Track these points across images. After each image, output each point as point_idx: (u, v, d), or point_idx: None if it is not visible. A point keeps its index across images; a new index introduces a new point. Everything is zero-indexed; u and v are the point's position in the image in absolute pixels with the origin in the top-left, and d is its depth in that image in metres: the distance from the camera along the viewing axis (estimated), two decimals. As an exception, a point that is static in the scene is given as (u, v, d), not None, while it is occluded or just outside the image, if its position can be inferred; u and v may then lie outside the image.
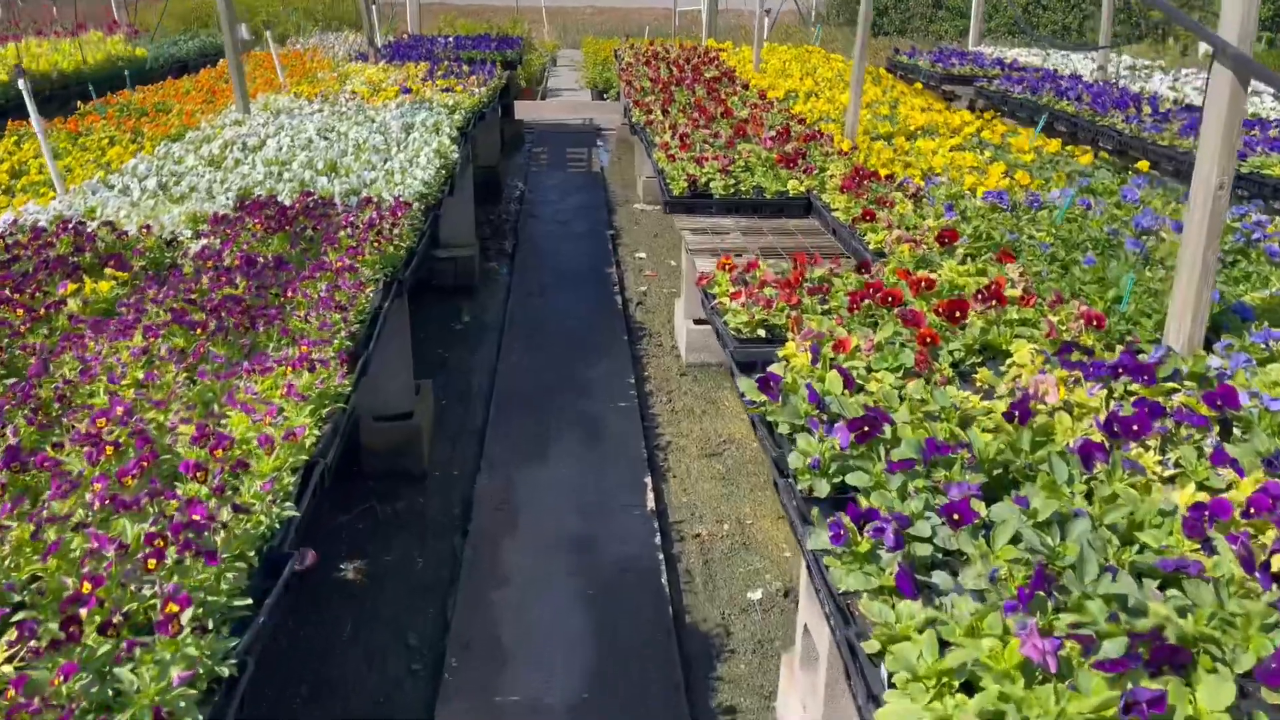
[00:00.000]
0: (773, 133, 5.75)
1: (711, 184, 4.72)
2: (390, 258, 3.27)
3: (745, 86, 7.58)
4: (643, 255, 7.09)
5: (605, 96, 14.32)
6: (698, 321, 5.06)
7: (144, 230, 3.12)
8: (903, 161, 4.98)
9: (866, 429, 2.02)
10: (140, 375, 2.28)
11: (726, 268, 3.14)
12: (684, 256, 4.90)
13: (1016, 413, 2.08)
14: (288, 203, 3.79)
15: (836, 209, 4.29)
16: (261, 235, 3.29)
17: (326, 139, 5.10)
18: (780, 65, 9.30)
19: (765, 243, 4.26)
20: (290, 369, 2.17)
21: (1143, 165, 4.91)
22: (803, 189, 4.66)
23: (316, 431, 2.05)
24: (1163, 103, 7.42)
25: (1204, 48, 11.82)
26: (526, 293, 6.11)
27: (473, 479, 3.93)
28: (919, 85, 8.48)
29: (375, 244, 3.22)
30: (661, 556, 3.42)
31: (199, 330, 2.41)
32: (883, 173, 4.66)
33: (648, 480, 3.92)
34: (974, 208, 4.05)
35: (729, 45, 11.38)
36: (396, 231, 3.42)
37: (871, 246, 3.71)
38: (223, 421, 2.02)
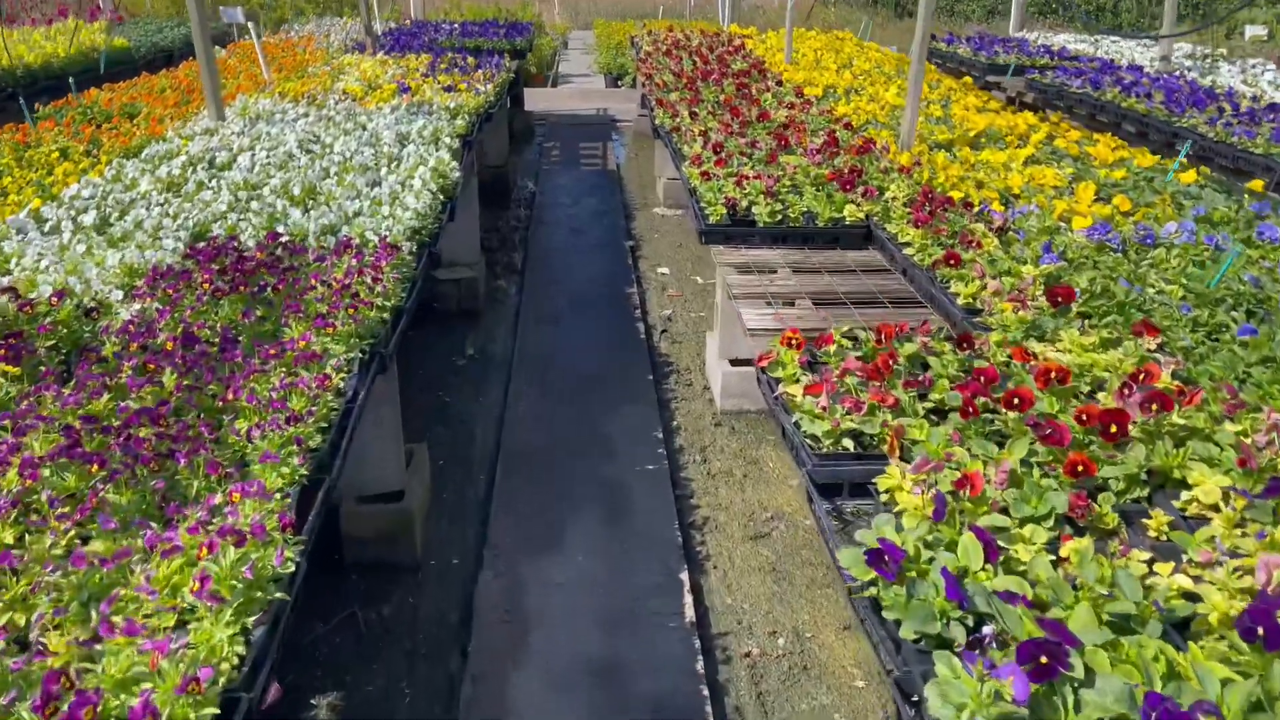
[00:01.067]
0: (817, 141, 5.05)
1: (754, 208, 4.04)
2: (370, 325, 2.62)
3: (779, 83, 6.87)
4: (665, 271, 6.42)
5: (620, 83, 13.59)
6: (734, 362, 4.41)
7: (53, 301, 2.47)
8: (973, 179, 4.29)
9: (1044, 660, 1.37)
10: (9, 540, 1.65)
11: (793, 344, 2.48)
12: (719, 290, 4.24)
13: (1260, 630, 1.42)
14: (252, 244, 3.13)
15: (907, 245, 3.61)
16: (211, 296, 2.64)
17: (310, 152, 4.43)
18: (813, 56, 8.57)
19: (823, 285, 3.59)
20: (205, 549, 1.52)
21: (1256, 185, 4.22)
22: (861, 215, 3.98)
23: (237, 655, 1.41)
24: (1240, 99, 6.68)
25: (1250, 31, 10.98)
26: (538, 319, 5.45)
27: (474, 573, 3.28)
28: (969, 80, 7.73)
29: (351, 309, 2.57)
30: (705, 690, 2.77)
31: (95, 466, 1.76)
32: (955, 195, 3.97)
33: (684, 576, 3.27)
34: (1075, 246, 3.37)
35: (753, 32, 10.63)
36: (380, 289, 2.76)
37: (960, 300, 3.04)
38: (97, 647, 1.37)
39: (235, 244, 3.03)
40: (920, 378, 2.36)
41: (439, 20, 10.67)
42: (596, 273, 6.27)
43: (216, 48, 8.02)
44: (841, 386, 2.31)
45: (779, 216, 3.97)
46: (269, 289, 2.67)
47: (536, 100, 11.96)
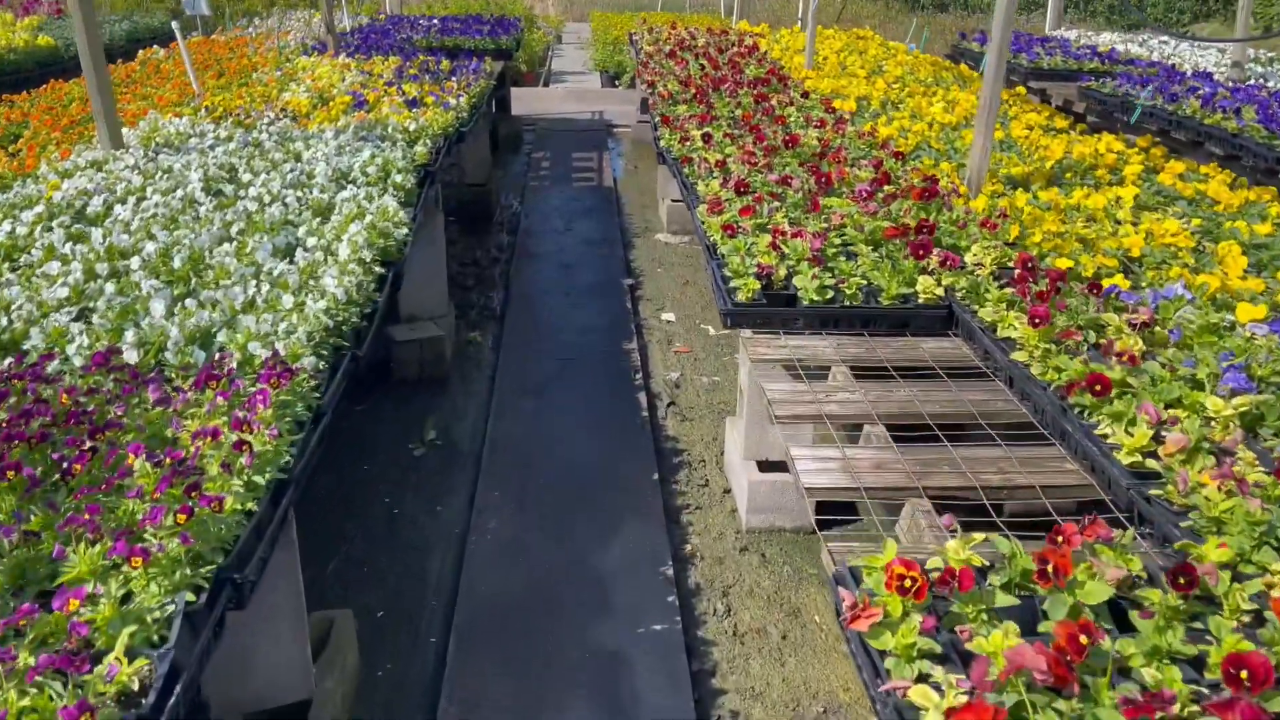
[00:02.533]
0: (863, 175, 4.06)
1: (796, 278, 3.05)
2: (222, 532, 1.63)
3: (805, 94, 5.86)
4: (671, 318, 5.43)
5: (617, 83, 12.55)
6: (763, 466, 3.42)
7: None
8: (1074, 235, 3.31)
9: None
10: None
11: (908, 586, 1.49)
12: (742, 370, 3.25)
13: None
14: (78, 363, 2.14)
15: (1010, 341, 2.62)
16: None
17: (219, 195, 3.44)
18: (835, 59, 7.56)
19: (899, 401, 2.60)
20: None
21: None
22: (939, 291, 2.99)
23: None
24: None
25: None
26: (517, 388, 4.45)
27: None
28: (1022, 89, 6.72)
29: (185, 512, 1.58)
30: None
31: None
32: (1060, 264, 2.99)
33: (709, 833, 2.30)
34: (1259, 354, 2.38)
35: (765, 30, 9.61)
36: (243, 463, 1.77)
37: (1124, 459, 2.05)
38: None
39: (42, 371, 2.03)
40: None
41: (418, 16, 9.64)
42: (589, 320, 5.28)
43: (155, 47, 7.00)
44: (1009, 690, 1.32)
45: (831, 294, 2.97)
46: (60, 476, 1.68)
47: (526, 102, 10.95)
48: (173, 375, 2.15)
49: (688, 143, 4.72)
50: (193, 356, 2.19)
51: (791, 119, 5.28)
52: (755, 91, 5.96)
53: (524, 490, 3.64)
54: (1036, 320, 2.47)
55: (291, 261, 2.77)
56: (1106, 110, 6.88)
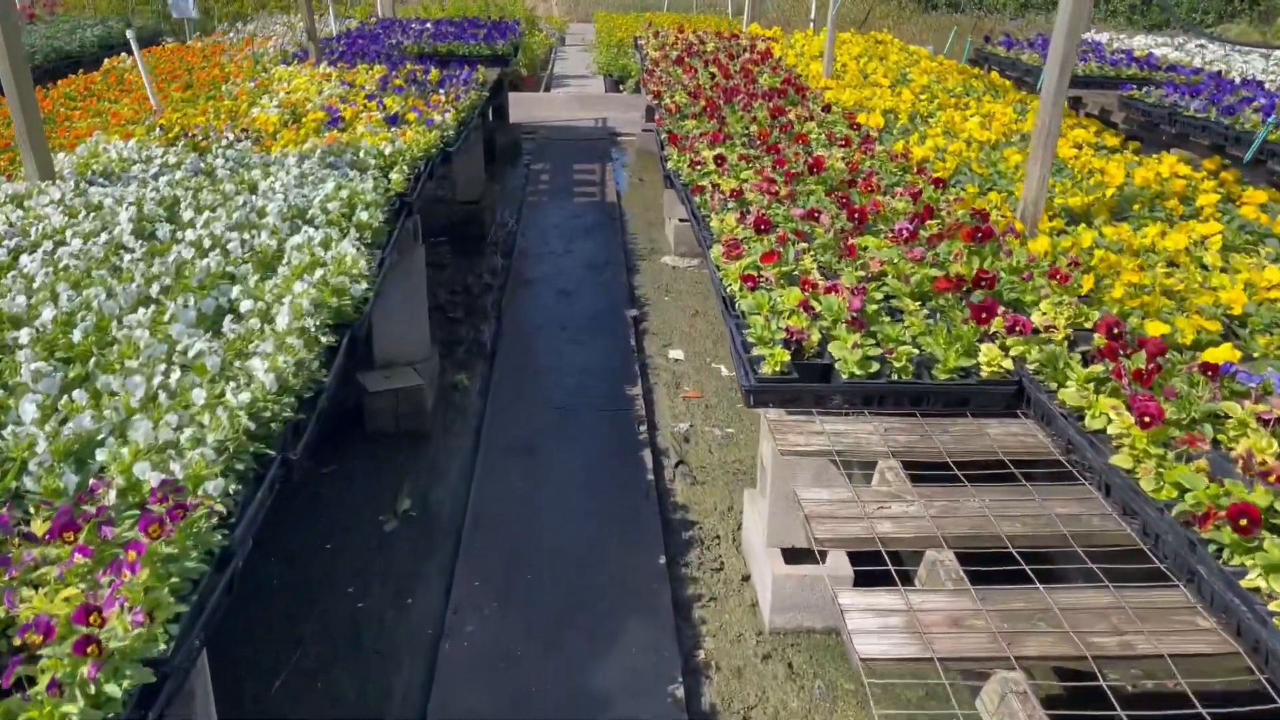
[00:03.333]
0: (899, 207, 3.55)
1: (833, 344, 2.53)
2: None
3: (826, 108, 5.33)
4: (679, 356, 4.92)
5: (621, 87, 12.04)
6: (789, 556, 2.91)
7: None
8: (1159, 286, 2.78)
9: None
10: None
11: None
12: (763, 444, 2.73)
13: None
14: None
15: (1114, 449, 2.10)
16: None
17: (152, 240, 2.93)
18: (855, 66, 7.03)
19: (971, 515, 2.08)
20: None
21: None
22: (1008, 364, 2.47)
23: None
24: None
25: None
26: (506, 446, 3.94)
27: None
28: (1071, 110, 6.16)
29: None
30: None
31: None
32: (1152, 329, 2.47)
33: None
34: None
35: (777, 33, 9.08)
36: (86, 674, 1.27)
37: (1276, 618, 1.53)
38: None
39: None
40: None
41: (410, 19, 9.12)
42: (589, 359, 4.76)
43: (122, 55, 6.51)
44: None
45: (875, 365, 2.45)
46: None
47: (525, 108, 10.43)
48: (34, 508, 1.64)
49: (699, 167, 4.20)
50: (63, 480, 1.69)
51: (813, 137, 4.76)
52: (771, 104, 5.44)
53: (509, 580, 3.12)
54: (1147, 419, 1.95)
55: (218, 334, 2.26)
56: (1150, 122, 6.34)
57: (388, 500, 3.59)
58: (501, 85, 8.40)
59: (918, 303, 2.79)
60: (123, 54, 6.51)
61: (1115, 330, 2.41)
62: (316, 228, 3.01)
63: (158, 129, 4.27)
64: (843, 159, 4.30)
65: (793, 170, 3.99)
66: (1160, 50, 8.29)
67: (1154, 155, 5.07)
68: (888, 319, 2.66)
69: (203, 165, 3.68)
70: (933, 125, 5.13)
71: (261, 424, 1.97)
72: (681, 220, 6.25)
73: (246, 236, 2.90)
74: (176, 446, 1.79)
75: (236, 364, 2.12)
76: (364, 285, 2.64)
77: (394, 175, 3.71)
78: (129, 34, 4.50)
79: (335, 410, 2.46)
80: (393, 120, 4.57)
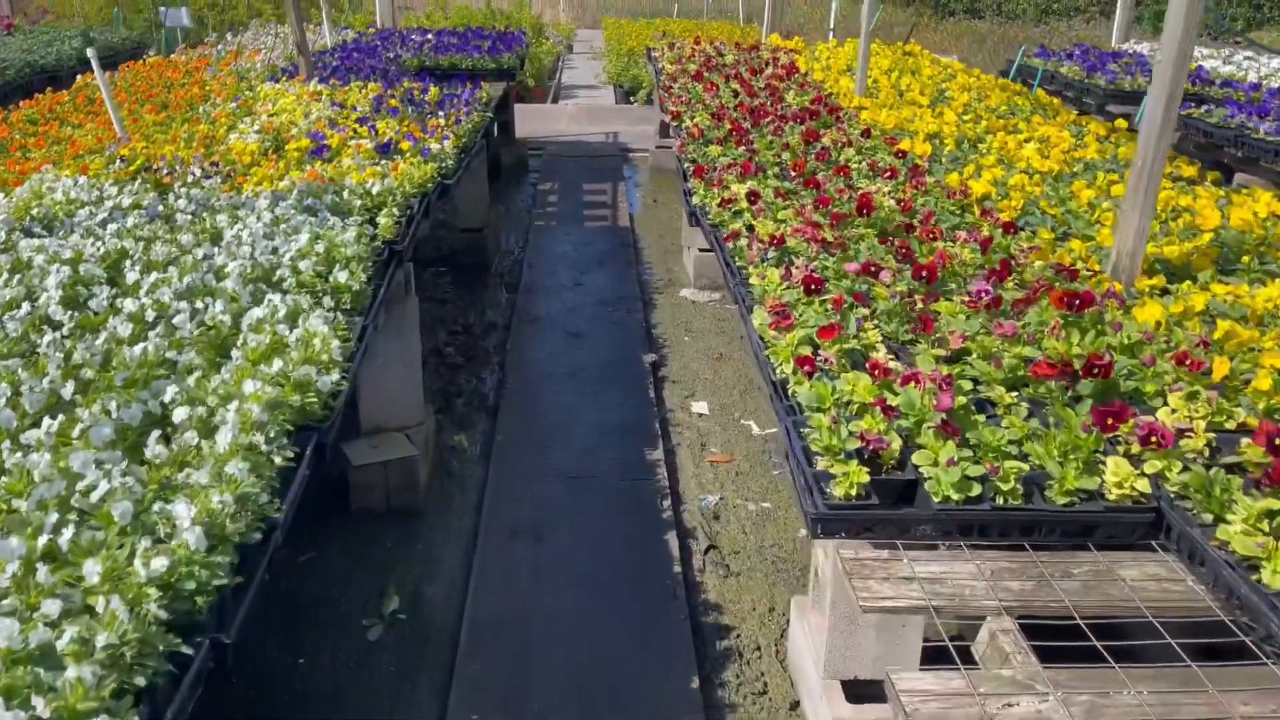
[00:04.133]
0: (965, 257, 3.04)
1: (918, 455, 2.02)
2: None
3: (867, 133, 4.81)
4: (703, 409, 4.41)
5: (632, 99, 11.55)
6: (851, 693, 2.39)
7: None
8: (1304, 371, 2.27)
9: None
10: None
11: None
12: (821, 555, 2.22)
13: None
14: None
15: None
16: None
17: (87, 305, 2.44)
18: (887, 82, 6.52)
19: (1128, 714, 1.57)
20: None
21: None
22: (1143, 486, 1.96)
23: None
24: None
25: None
26: (509, 528, 3.43)
27: None
28: (1122, 124, 5.62)
29: None
30: None
31: None
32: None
33: None
34: None
35: (799, 44, 8.57)
36: None
37: None
38: None
39: None
40: None
41: (411, 29, 8.64)
42: (603, 415, 4.26)
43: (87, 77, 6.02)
44: None
45: (976, 489, 1.94)
46: None
47: (532, 122, 9.96)
48: None
49: (730, 205, 3.70)
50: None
51: (854, 167, 4.25)
52: (804, 127, 4.93)
53: (514, 710, 2.62)
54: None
55: (141, 461, 1.77)
56: (1212, 144, 5.83)
57: (373, 598, 3.09)
58: (507, 100, 7.92)
59: (1013, 393, 2.28)
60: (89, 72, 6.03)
61: (1273, 443, 1.90)
62: (285, 293, 2.51)
63: (119, 160, 3.78)
64: (891, 194, 3.80)
65: (838, 210, 3.48)
66: (1209, 63, 7.78)
67: (1236, 188, 4.55)
68: (981, 418, 2.15)
69: (161, 208, 3.18)
70: (984, 152, 4.62)
71: (183, 598, 1.47)
72: (702, 250, 5.75)
73: (200, 305, 2.41)
74: (54, 655, 1.29)
75: (157, 506, 1.62)
76: (335, 376, 2.14)
77: (382, 219, 3.21)
78: (89, 52, 4.01)
79: (315, 483, 1.98)
80: (385, 149, 4.08)
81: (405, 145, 4.15)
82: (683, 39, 12.41)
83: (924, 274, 2.82)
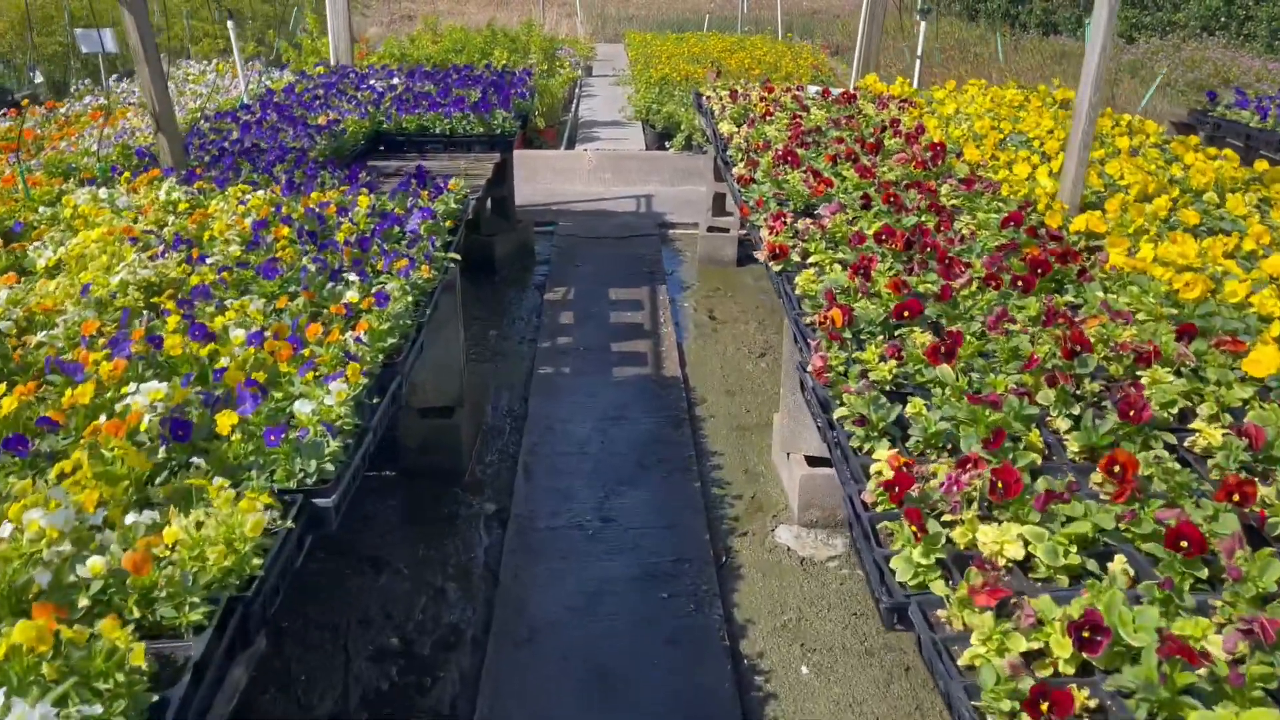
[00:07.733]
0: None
1: None
2: None
3: (1106, 286, 2.53)
4: None
5: (668, 143, 9.13)
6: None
7: None
8: None
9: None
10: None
11: None
12: None
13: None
14: None
15: None
16: None
17: None
18: (1093, 172, 4.19)
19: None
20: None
21: None
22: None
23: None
24: None
25: None
26: None
27: None
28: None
29: None
30: None
31: None
32: None
33: None
34: None
35: (906, 90, 6.19)
36: None
37: None
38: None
39: None
40: None
41: (373, 68, 6.35)
42: None
43: None
44: None
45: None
46: None
47: (541, 181, 7.69)
48: None
49: (924, 478, 1.40)
50: None
51: (1154, 393, 1.97)
52: (1035, 297, 2.66)
53: None
54: None
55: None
56: None
57: None
58: (504, 172, 5.67)
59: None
60: None
61: None
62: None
63: None
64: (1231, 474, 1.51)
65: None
66: None
67: None
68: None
69: None
70: (1152, 240, 2.32)
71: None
72: (812, 461, 3.48)
73: None
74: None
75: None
76: None
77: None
78: None
79: None
80: (257, 393, 1.81)
81: (291, 370, 1.87)
82: (727, 63, 10.14)
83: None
